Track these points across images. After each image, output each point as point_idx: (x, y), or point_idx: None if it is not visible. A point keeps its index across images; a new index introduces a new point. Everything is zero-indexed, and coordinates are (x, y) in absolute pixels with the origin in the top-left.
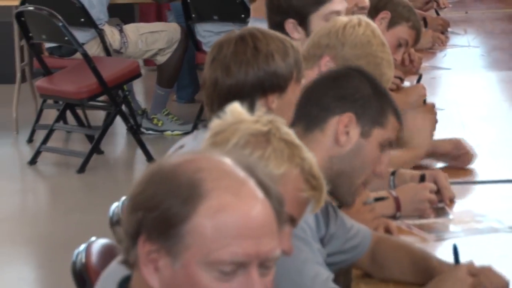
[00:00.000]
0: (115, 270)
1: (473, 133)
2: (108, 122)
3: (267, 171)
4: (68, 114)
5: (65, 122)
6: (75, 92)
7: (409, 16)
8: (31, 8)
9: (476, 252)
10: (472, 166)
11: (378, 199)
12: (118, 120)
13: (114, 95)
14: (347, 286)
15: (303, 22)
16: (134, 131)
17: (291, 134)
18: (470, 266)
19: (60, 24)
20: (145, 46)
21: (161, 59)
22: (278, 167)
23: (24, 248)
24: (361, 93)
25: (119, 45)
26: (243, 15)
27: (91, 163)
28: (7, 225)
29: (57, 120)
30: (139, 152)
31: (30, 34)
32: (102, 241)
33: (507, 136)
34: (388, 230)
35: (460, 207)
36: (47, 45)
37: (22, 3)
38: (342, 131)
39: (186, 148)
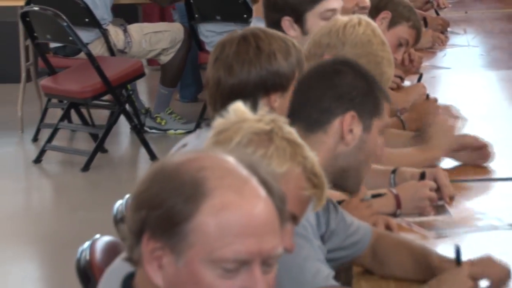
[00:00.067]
0: (119, 267)
1: (473, 132)
2: (112, 121)
3: (269, 170)
4: (73, 113)
5: (70, 121)
6: (79, 92)
7: (409, 16)
8: (36, 8)
9: (476, 249)
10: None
11: (375, 196)
12: (122, 119)
13: (118, 94)
14: (348, 283)
15: (299, 20)
16: (138, 130)
17: (293, 133)
18: (471, 268)
19: (65, 24)
20: (148, 46)
21: (164, 58)
22: (280, 166)
23: (29, 246)
24: (357, 89)
25: (123, 45)
26: (245, 15)
27: (95, 161)
28: (12, 223)
29: (61, 119)
30: (143, 151)
31: (35, 34)
32: (106, 238)
33: (507, 135)
34: (388, 227)
35: (460, 204)
36: (52, 45)
37: (27, 3)
38: (347, 130)
39: (189, 147)
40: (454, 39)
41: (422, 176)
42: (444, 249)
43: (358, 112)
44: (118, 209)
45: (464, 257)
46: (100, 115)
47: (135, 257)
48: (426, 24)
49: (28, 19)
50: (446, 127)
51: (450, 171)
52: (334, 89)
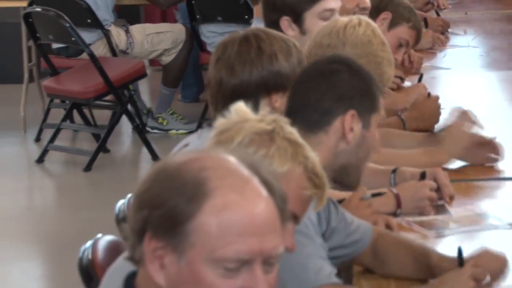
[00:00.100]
0: (121, 266)
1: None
2: (114, 121)
3: (271, 170)
4: (75, 113)
5: (72, 121)
6: (81, 92)
7: (409, 17)
8: (38, 9)
9: (476, 249)
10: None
11: (375, 195)
12: (124, 119)
13: (120, 94)
14: (348, 282)
15: (298, 20)
16: (140, 130)
17: (294, 133)
18: (473, 269)
19: (67, 25)
20: (150, 46)
21: (166, 59)
22: (281, 166)
23: (32, 245)
24: (355, 87)
25: (125, 46)
26: (246, 16)
27: (98, 161)
28: (15, 223)
29: (64, 119)
30: (145, 151)
31: (38, 35)
32: (108, 237)
33: (507, 135)
34: (388, 227)
35: (460, 204)
36: (54, 45)
37: (30, 4)
38: (348, 129)
39: (191, 147)
40: (454, 40)
41: (422, 176)
42: (444, 248)
43: (357, 111)
44: (120, 209)
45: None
46: (102, 115)
47: (137, 256)
48: (426, 25)
49: (30, 20)
50: (460, 133)
51: (450, 170)
52: (333, 89)
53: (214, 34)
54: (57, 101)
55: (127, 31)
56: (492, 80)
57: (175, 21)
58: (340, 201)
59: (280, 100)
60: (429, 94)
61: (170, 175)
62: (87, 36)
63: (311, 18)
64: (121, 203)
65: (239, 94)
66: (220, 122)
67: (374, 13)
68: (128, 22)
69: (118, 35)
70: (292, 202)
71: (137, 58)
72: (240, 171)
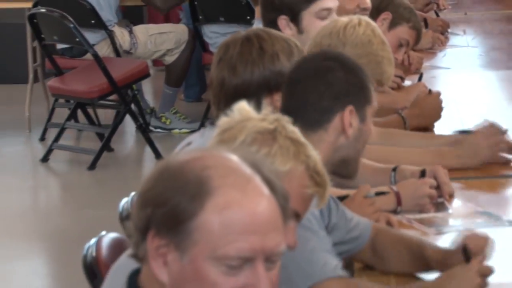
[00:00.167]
0: (124, 264)
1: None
2: (118, 121)
3: (273, 168)
4: (79, 113)
5: (76, 120)
6: (86, 92)
7: (409, 17)
8: (43, 10)
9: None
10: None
11: (379, 194)
12: (128, 118)
13: (124, 94)
14: None
15: (295, 19)
16: (143, 129)
17: (296, 132)
18: (481, 266)
19: (71, 25)
20: (154, 46)
21: (169, 59)
22: (284, 164)
23: (37, 243)
24: (350, 83)
25: (128, 46)
26: (248, 17)
27: (102, 160)
28: (20, 221)
29: (68, 119)
30: (148, 150)
31: (42, 36)
32: (112, 235)
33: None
34: (389, 224)
35: (459, 202)
36: (59, 46)
37: (35, 5)
38: (348, 125)
39: (194, 145)
40: (453, 40)
41: (422, 174)
42: (444, 245)
43: (355, 106)
44: (124, 207)
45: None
46: (106, 115)
47: (141, 253)
48: (426, 25)
49: (35, 20)
50: (480, 147)
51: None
52: (331, 88)
53: (216, 35)
54: (61, 100)
55: (130, 32)
56: (492, 80)
57: (178, 22)
58: (343, 198)
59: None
60: (430, 91)
61: (173, 174)
62: (91, 36)
63: (308, 17)
64: (124, 201)
65: (241, 93)
66: (222, 121)
67: (374, 14)
68: (132, 22)
69: (121, 35)
70: (294, 200)
71: (141, 58)
72: (242, 170)
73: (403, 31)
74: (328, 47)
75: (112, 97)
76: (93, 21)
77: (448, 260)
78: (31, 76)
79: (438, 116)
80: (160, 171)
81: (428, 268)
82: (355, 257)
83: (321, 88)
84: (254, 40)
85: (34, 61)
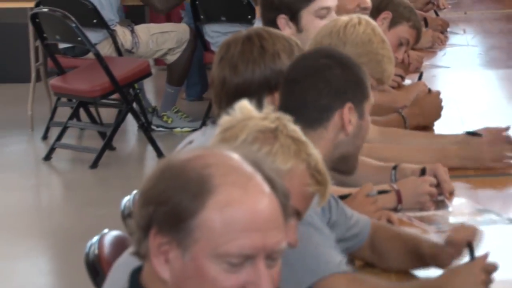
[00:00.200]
0: (126, 261)
1: (472, 129)
2: (120, 120)
3: (274, 167)
4: (81, 111)
5: (79, 119)
6: (88, 91)
7: (409, 16)
8: (45, 10)
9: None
10: None
11: (381, 192)
12: (130, 117)
13: (126, 93)
14: None
15: (294, 18)
16: (145, 128)
17: (297, 131)
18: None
19: (73, 25)
20: (155, 46)
21: (170, 58)
22: (285, 163)
23: (39, 241)
24: (348, 80)
25: (130, 45)
26: (249, 16)
27: (104, 159)
28: (23, 219)
29: (70, 118)
30: (150, 148)
31: (45, 35)
32: (114, 233)
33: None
34: (390, 222)
35: (459, 200)
36: (61, 45)
37: (37, 5)
38: (347, 122)
39: (195, 143)
40: (453, 39)
41: (423, 172)
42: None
43: (353, 102)
44: (126, 205)
45: (463, 251)
46: (108, 114)
47: (143, 251)
48: (426, 24)
49: (37, 20)
50: (486, 152)
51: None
52: (329, 86)
53: (217, 34)
54: (64, 99)
55: (132, 31)
56: (491, 79)
57: (179, 21)
58: (345, 197)
59: None
60: (429, 90)
61: (175, 172)
62: (93, 36)
63: (307, 16)
64: (126, 199)
65: (242, 92)
66: (224, 119)
67: (374, 13)
68: (133, 22)
69: (123, 35)
70: (295, 198)
71: (142, 57)
72: (243, 168)
73: (403, 30)
74: (329, 46)
75: (114, 96)
76: (95, 21)
77: (439, 255)
78: (33, 75)
79: (438, 116)
80: (161, 169)
81: (424, 265)
82: (355, 254)
83: (319, 86)
84: (255, 39)
85: (37, 60)
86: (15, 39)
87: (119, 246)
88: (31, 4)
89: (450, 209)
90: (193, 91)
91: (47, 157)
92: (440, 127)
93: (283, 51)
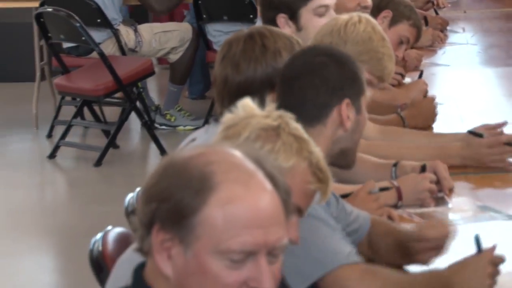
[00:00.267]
0: (130, 258)
1: (471, 127)
2: (124, 118)
3: (276, 164)
4: (85, 110)
5: (83, 118)
6: (92, 90)
7: (410, 15)
8: (50, 9)
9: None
10: None
11: (383, 189)
12: (133, 116)
13: (129, 92)
14: None
15: (294, 17)
16: (148, 126)
17: (299, 129)
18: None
19: (78, 24)
20: (158, 45)
21: (173, 57)
22: (287, 161)
23: (44, 238)
24: (344, 77)
25: (134, 44)
26: (251, 16)
27: (107, 157)
28: (28, 216)
29: (75, 116)
30: (153, 146)
31: (49, 35)
32: (118, 230)
33: (504, 129)
34: (390, 218)
35: (459, 196)
36: (65, 44)
37: (41, 5)
38: (346, 118)
39: (198, 141)
40: (453, 38)
41: (423, 169)
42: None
43: (350, 98)
44: (130, 202)
45: (463, 248)
46: (112, 112)
47: (146, 247)
48: (426, 23)
49: (42, 20)
50: (486, 155)
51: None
52: (326, 83)
53: (220, 33)
54: (68, 98)
55: (135, 30)
56: (490, 77)
57: (182, 21)
58: (347, 195)
59: None
60: (425, 95)
61: (177, 169)
62: (97, 35)
63: (306, 15)
64: (130, 196)
65: (244, 90)
66: (227, 117)
67: (375, 11)
68: (136, 21)
69: (127, 34)
70: (297, 196)
71: (145, 56)
72: (245, 165)
73: (404, 29)
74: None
75: (118, 94)
76: (99, 20)
77: (414, 248)
78: (38, 74)
79: (432, 120)
80: (164, 167)
81: (412, 261)
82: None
83: (317, 84)
84: (257, 38)
85: (41, 59)
86: (20, 39)
87: (122, 242)
88: (36, 4)
89: (450, 205)
90: (196, 89)
91: (52, 155)
92: (440, 124)
93: (284, 49)
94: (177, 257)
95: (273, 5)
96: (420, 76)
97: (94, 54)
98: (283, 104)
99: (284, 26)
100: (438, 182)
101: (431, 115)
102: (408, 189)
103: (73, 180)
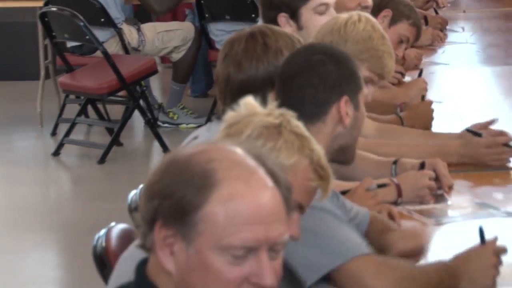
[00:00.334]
0: (133, 254)
1: (470, 125)
2: (127, 116)
3: (277, 162)
4: (89, 108)
5: (87, 116)
6: (95, 88)
7: (410, 14)
8: (54, 9)
9: (473, 236)
10: None
11: (380, 186)
12: (136, 114)
13: (133, 90)
14: None
15: (294, 16)
16: (151, 124)
17: (301, 126)
18: (497, 247)
19: (82, 24)
20: (161, 44)
21: (176, 56)
22: (288, 158)
23: (48, 234)
24: (342, 74)
25: (137, 43)
26: (253, 15)
27: (111, 154)
28: (32, 213)
29: (79, 114)
30: (156, 144)
31: (53, 34)
32: (121, 226)
33: (502, 127)
34: (390, 215)
35: (458, 193)
36: (69, 43)
37: (46, 4)
38: (345, 114)
39: (200, 139)
40: (452, 37)
41: (422, 166)
42: (442, 235)
43: (349, 95)
44: (133, 199)
45: (462, 245)
46: (116, 110)
47: (148, 244)
48: (426, 22)
49: (46, 19)
50: (484, 155)
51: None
52: (324, 81)
53: (222, 32)
54: (72, 97)
55: (138, 30)
56: (489, 75)
57: (184, 20)
58: (346, 192)
59: None
60: (423, 98)
61: (180, 167)
62: (101, 34)
63: (307, 13)
64: (133, 193)
65: (246, 89)
66: (229, 115)
67: (375, 11)
68: (140, 20)
69: (130, 33)
70: (298, 193)
71: (148, 55)
72: (246, 162)
73: (404, 28)
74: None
75: (121, 93)
76: (102, 19)
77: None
78: (42, 73)
79: (429, 123)
80: (167, 164)
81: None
82: None
83: (315, 82)
84: (258, 37)
85: (46, 58)
86: (25, 38)
87: (126, 239)
88: (40, 4)
89: (449, 202)
90: (198, 88)
91: (56, 153)
92: (439, 122)
93: (286, 48)
94: (179, 253)
95: (273, 4)
96: (420, 74)
97: (98, 53)
98: (282, 102)
99: (285, 25)
100: (437, 179)
101: (429, 119)
102: (408, 186)
103: (77, 177)
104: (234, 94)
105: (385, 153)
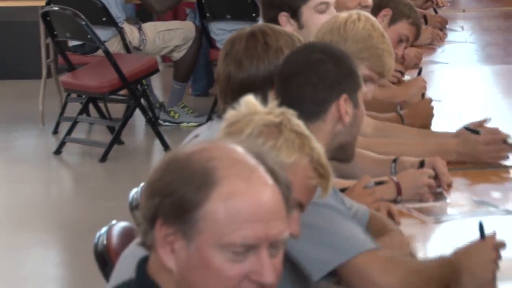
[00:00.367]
0: (134, 252)
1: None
2: (128, 115)
3: (278, 160)
4: (91, 107)
5: (88, 114)
6: (97, 87)
7: (409, 14)
8: (56, 8)
9: (472, 234)
10: None
11: (378, 183)
12: (138, 112)
13: (134, 89)
14: None
15: (295, 15)
16: (152, 123)
17: (301, 125)
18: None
19: (83, 23)
20: (162, 43)
21: (177, 55)
22: (289, 156)
23: (50, 232)
24: (341, 73)
25: (138, 43)
26: (254, 14)
27: (112, 152)
28: (34, 211)
29: (80, 113)
30: (157, 143)
31: (55, 33)
32: (122, 224)
33: (501, 126)
34: (390, 213)
35: (457, 191)
36: (71, 43)
37: (48, 4)
38: (344, 113)
39: (201, 137)
40: (452, 36)
41: (421, 165)
42: (442, 233)
43: (348, 93)
44: (134, 197)
45: (461, 243)
46: (117, 109)
47: (149, 241)
48: (426, 22)
49: (48, 18)
50: (483, 153)
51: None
52: (324, 79)
53: (223, 32)
54: (73, 95)
55: (139, 29)
56: (488, 74)
57: (185, 19)
58: (344, 190)
59: None
60: (423, 96)
61: (180, 165)
62: (102, 33)
63: (307, 12)
64: (134, 191)
65: (247, 88)
66: (230, 114)
67: (375, 10)
68: (141, 20)
69: (131, 32)
70: (298, 191)
71: (150, 54)
72: (246, 161)
73: (403, 27)
74: (330, 43)
75: (123, 92)
76: (104, 19)
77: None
78: (44, 71)
79: (429, 121)
80: (167, 162)
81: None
82: None
83: (314, 81)
84: (259, 36)
85: (47, 57)
86: (27, 37)
87: (127, 237)
88: (42, 3)
89: (448, 200)
90: (199, 86)
91: (58, 151)
92: (438, 121)
93: (286, 47)
94: (180, 251)
95: (274, 4)
96: (419, 73)
97: (100, 52)
98: (282, 101)
99: (286, 25)
100: (436, 177)
101: (428, 117)
102: (407, 184)
103: (79, 176)
104: (234, 93)
105: (385, 152)
